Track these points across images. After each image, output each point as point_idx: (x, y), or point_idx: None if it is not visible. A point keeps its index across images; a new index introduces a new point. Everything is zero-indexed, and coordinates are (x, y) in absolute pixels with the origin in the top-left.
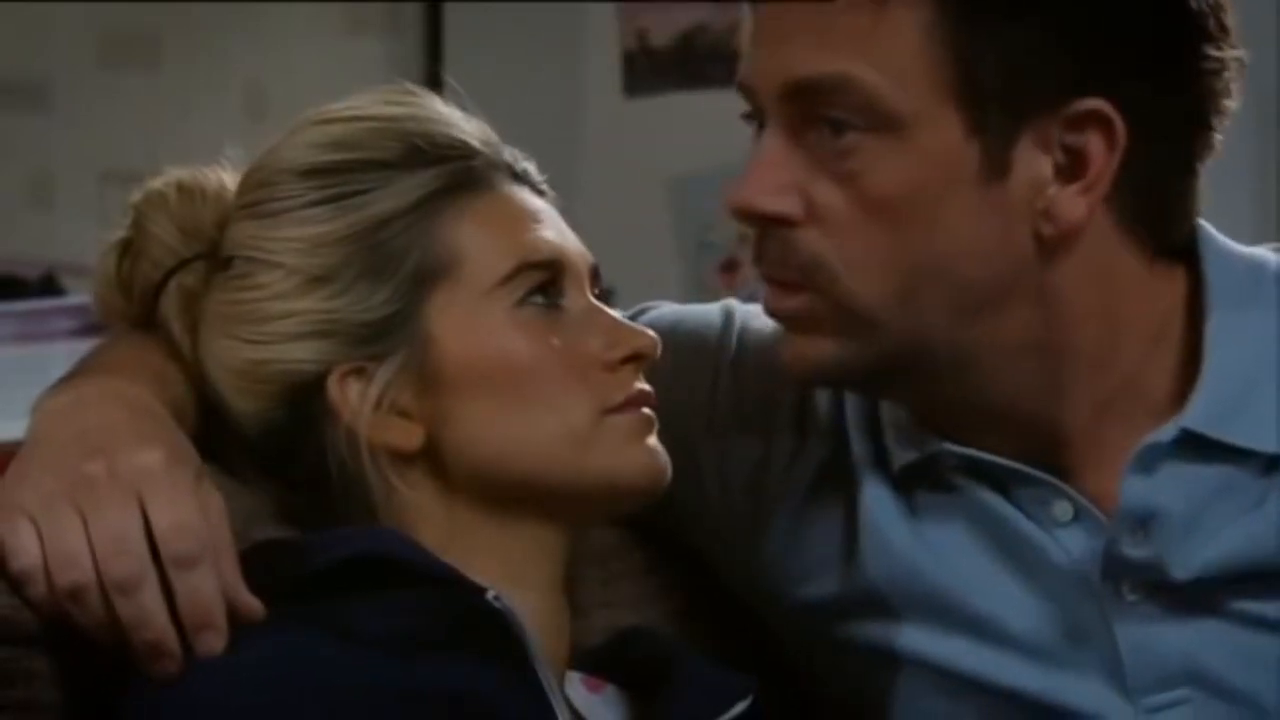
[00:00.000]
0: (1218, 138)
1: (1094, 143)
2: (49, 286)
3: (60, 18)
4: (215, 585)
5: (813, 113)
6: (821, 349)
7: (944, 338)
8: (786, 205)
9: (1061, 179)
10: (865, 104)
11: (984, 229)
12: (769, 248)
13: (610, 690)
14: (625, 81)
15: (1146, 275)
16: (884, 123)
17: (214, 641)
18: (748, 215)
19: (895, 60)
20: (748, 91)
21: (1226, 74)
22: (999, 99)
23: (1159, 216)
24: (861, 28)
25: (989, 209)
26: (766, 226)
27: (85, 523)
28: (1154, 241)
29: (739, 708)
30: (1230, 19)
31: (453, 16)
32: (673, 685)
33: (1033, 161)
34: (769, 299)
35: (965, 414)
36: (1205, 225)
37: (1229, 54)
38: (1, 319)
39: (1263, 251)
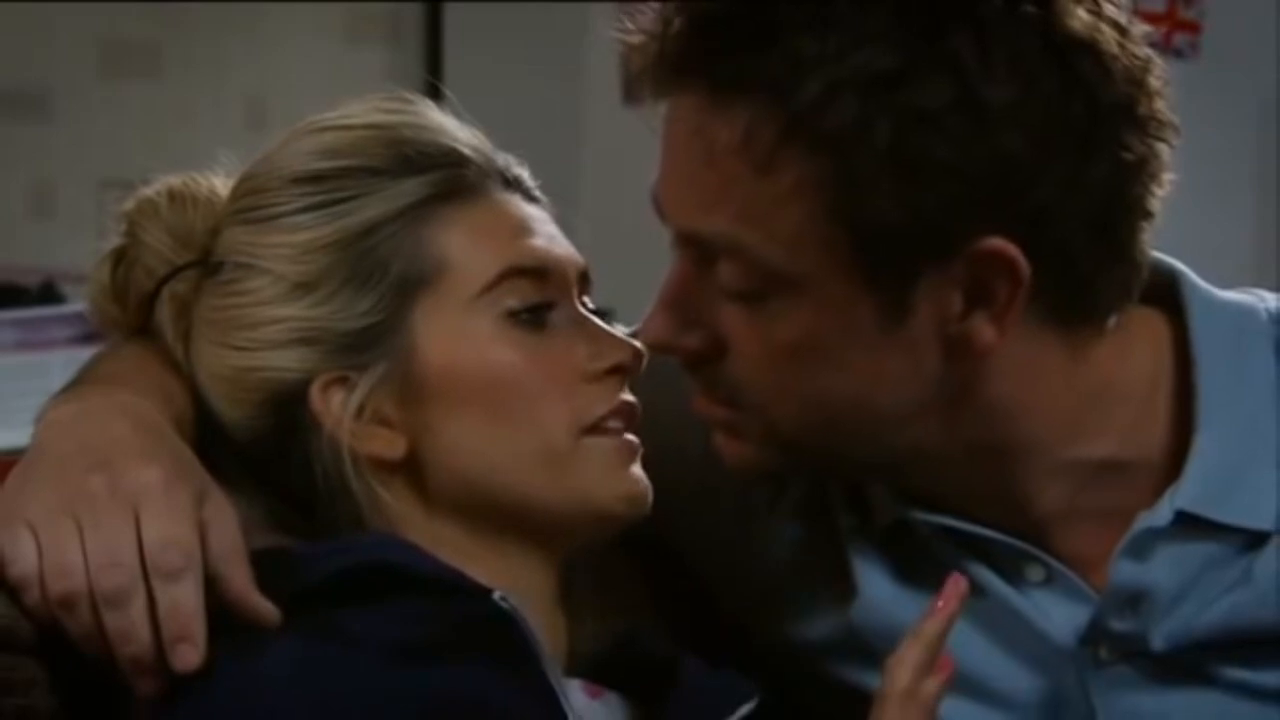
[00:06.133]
0: (1156, 203)
1: (997, 280)
2: (48, 295)
3: (60, 27)
4: (197, 600)
5: (713, 258)
6: (751, 455)
7: (876, 450)
8: (695, 341)
9: (969, 306)
10: (756, 266)
11: (893, 364)
12: (695, 373)
13: (610, 696)
14: (625, 90)
15: (1081, 356)
16: (777, 283)
17: (190, 655)
18: (661, 352)
19: (782, 228)
20: (656, 206)
21: (1153, 162)
22: (890, 256)
23: (1083, 303)
24: (747, 198)
25: (895, 347)
26: (684, 359)
27: (82, 535)
28: (1084, 324)
29: (744, 710)
30: (1150, 108)
31: (452, 25)
32: (676, 689)
33: (938, 299)
34: (698, 404)
35: (929, 488)
36: (1187, 274)
37: (1151, 144)
38: (1, 327)
39: (1249, 300)
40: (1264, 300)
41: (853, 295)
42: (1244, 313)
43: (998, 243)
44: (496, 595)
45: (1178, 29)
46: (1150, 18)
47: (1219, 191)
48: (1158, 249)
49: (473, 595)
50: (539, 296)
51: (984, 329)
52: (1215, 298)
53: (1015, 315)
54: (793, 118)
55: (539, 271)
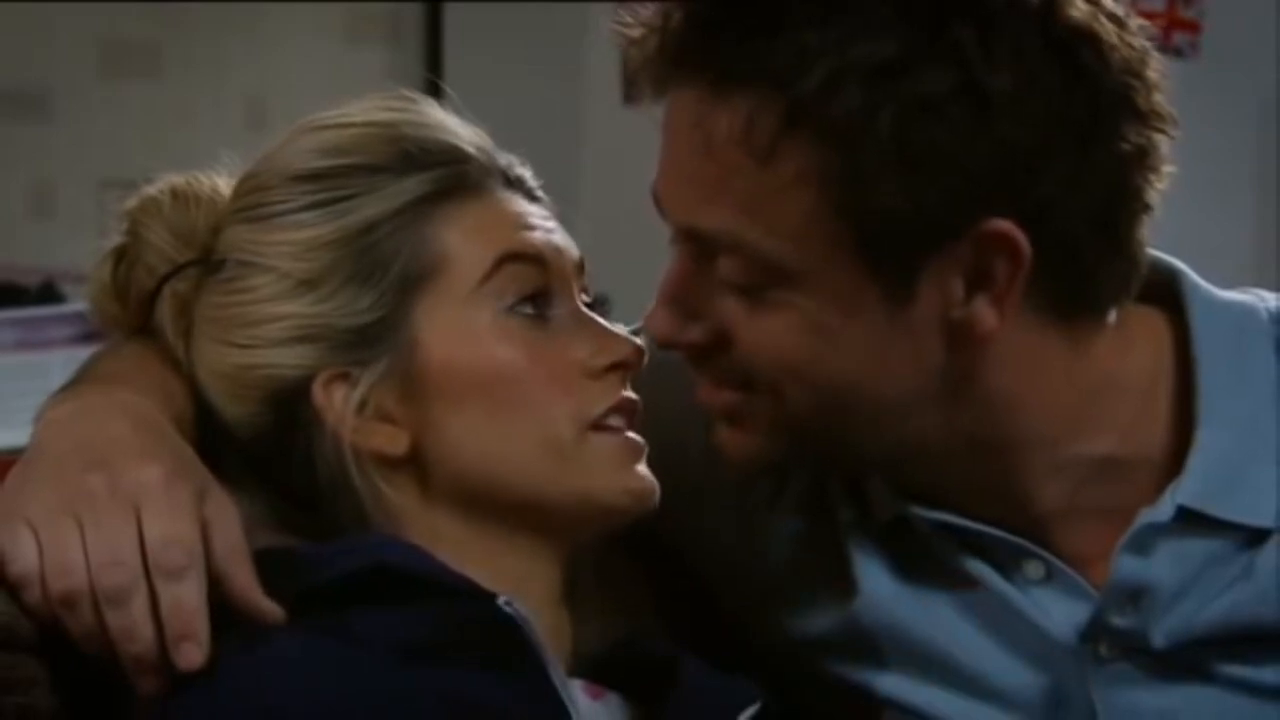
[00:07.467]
0: (1155, 195)
1: (997, 261)
2: (48, 294)
3: (60, 27)
4: (199, 598)
5: (714, 252)
6: (755, 445)
7: (878, 441)
8: (698, 335)
9: (971, 291)
10: (756, 260)
11: (895, 353)
12: (700, 366)
13: (611, 697)
14: (625, 89)
15: (1081, 350)
16: (778, 276)
17: (193, 653)
18: (665, 347)
19: (783, 221)
20: (656, 203)
21: (1153, 154)
22: (893, 247)
23: (1084, 296)
24: (749, 190)
25: (897, 333)
26: (688, 353)
27: (83, 533)
28: (1084, 317)
29: (747, 714)
30: (1148, 100)
31: (452, 25)
32: (678, 691)
33: (941, 284)
34: (703, 392)
35: (930, 483)
36: (1187, 274)
37: (1150, 135)
38: (1, 327)
39: (1250, 300)
40: (1264, 300)
41: (856, 285)
42: (1244, 312)
43: (1000, 224)
44: (501, 600)
45: (1177, 28)
46: (1150, 16)
47: (1219, 191)
48: (1157, 248)
49: (477, 599)
50: (537, 282)
51: (985, 313)
52: (1216, 297)
53: (1015, 299)
54: (795, 105)
55: (536, 259)
